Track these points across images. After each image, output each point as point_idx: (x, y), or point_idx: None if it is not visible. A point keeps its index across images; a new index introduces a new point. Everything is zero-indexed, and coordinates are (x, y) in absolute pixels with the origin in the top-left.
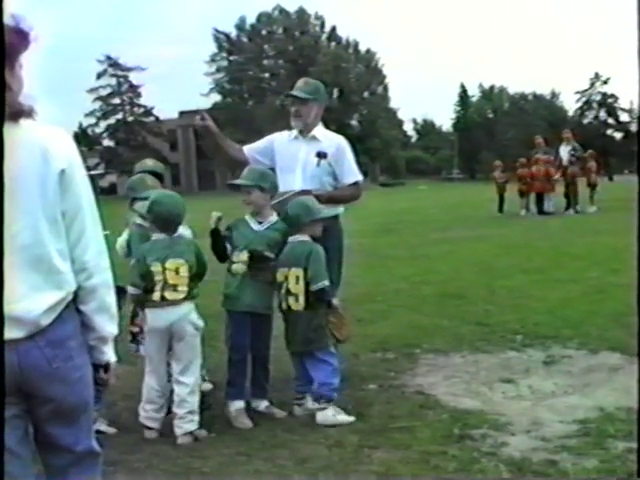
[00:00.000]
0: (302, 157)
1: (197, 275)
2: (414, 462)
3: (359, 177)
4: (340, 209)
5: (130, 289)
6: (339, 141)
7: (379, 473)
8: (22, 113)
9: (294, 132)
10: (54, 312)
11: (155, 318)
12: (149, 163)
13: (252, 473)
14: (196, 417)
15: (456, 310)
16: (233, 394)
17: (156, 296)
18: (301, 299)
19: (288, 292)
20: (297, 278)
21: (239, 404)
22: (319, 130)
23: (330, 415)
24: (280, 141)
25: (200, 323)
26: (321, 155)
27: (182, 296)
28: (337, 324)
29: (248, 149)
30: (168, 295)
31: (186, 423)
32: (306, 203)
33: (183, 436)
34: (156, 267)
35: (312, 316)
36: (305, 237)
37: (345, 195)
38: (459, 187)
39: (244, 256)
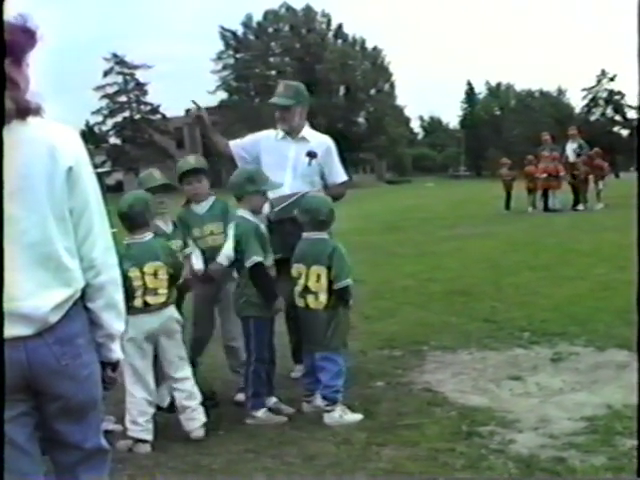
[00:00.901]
0: (292, 156)
1: (173, 277)
2: (422, 459)
3: (345, 177)
4: None
5: None
6: (327, 142)
7: (387, 470)
8: (30, 111)
9: (281, 133)
10: (62, 309)
11: (140, 324)
12: (191, 161)
13: (260, 470)
14: (203, 408)
15: (463, 307)
16: (259, 404)
17: (138, 302)
18: (322, 297)
19: (306, 289)
20: (318, 276)
21: (264, 410)
22: (307, 131)
23: (337, 417)
24: (267, 140)
25: (181, 319)
26: (312, 155)
27: (163, 299)
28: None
29: (234, 145)
30: (150, 300)
31: (198, 414)
32: (325, 199)
33: (198, 429)
34: (134, 272)
35: (332, 315)
36: (324, 235)
37: (335, 194)
38: (466, 184)
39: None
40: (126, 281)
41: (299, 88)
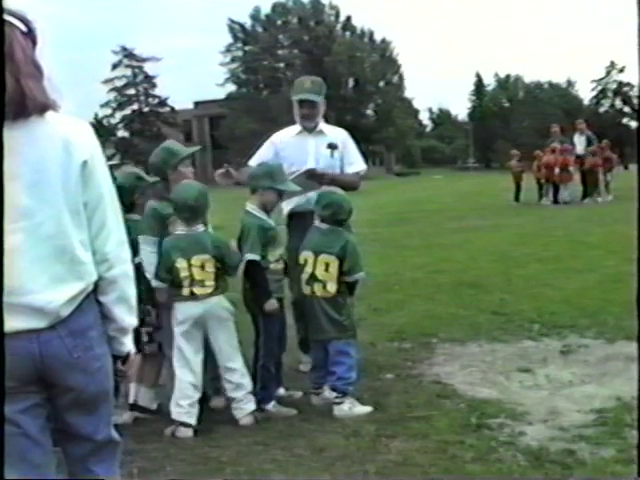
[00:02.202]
0: (312, 150)
1: (225, 269)
2: (431, 451)
3: (364, 166)
4: None
5: (155, 283)
6: (343, 133)
7: (396, 462)
8: (48, 106)
9: (296, 128)
10: (75, 303)
11: (186, 309)
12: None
13: (269, 462)
14: (252, 397)
15: (472, 299)
16: (268, 397)
17: (185, 292)
18: (330, 286)
19: (313, 277)
20: (327, 265)
21: (273, 402)
22: (322, 124)
23: (346, 409)
24: (283, 139)
25: (232, 308)
26: (333, 147)
27: (210, 290)
28: None
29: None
30: (197, 290)
31: (246, 404)
32: (347, 198)
33: (245, 417)
34: (181, 263)
35: (342, 303)
36: (339, 228)
37: (347, 180)
38: (474, 176)
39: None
40: (174, 270)
41: (322, 82)
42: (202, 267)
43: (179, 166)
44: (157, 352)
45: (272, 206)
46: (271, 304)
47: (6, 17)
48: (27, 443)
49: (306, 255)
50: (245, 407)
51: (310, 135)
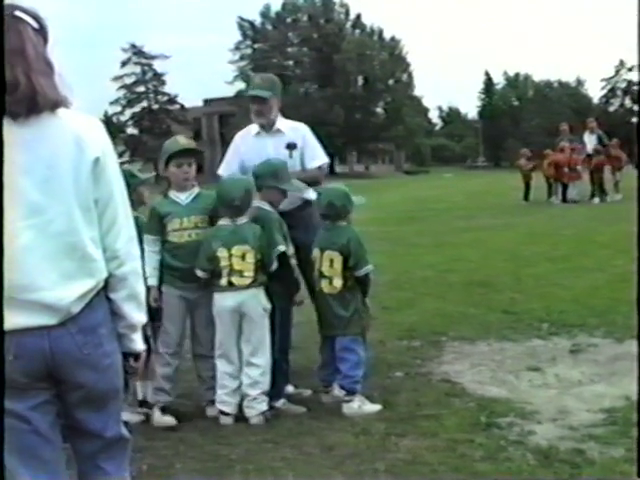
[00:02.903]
0: (271, 152)
1: (262, 261)
2: (441, 450)
3: (325, 159)
4: (312, 194)
5: (199, 273)
6: (302, 129)
7: (406, 461)
8: (59, 103)
9: (255, 128)
10: (85, 299)
11: (223, 299)
12: (181, 141)
13: (279, 460)
14: (266, 398)
15: (482, 298)
16: (278, 394)
17: (223, 281)
18: (336, 282)
19: (320, 274)
20: (331, 261)
21: (283, 400)
22: (281, 122)
23: (356, 407)
24: (244, 140)
25: (268, 305)
26: (292, 146)
27: (249, 282)
28: (366, 322)
29: (224, 171)
30: (235, 280)
31: (259, 404)
32: (346, 192)
33: (255, 417)
34: (222, 253)
35: (350, 299)
36: (342, 222)
37: (309, 176)
38: (484, 175)
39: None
40: (214, 259)
41: (275, 79)
42: (243, 257)
43: (170, 165)
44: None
45: (277, 204)
46: (300, 295)
47: (18, 14)
48: (37, 440)
49: (315, 253)
50: (257, 406)
51: (268, 135)
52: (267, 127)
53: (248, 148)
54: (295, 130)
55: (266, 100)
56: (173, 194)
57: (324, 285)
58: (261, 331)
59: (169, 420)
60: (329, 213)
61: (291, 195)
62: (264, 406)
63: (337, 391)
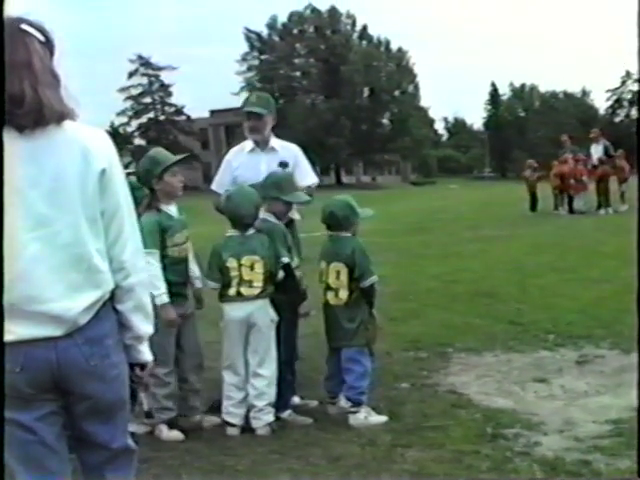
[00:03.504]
0: (264, 168)
1: (270, 271)
2: (447, 461)
3: (315, 179)
4: (296, 214)
5: (211, 284)
6: (294, 149)
7: (412, 472)
8: (65, 115)
9: (249, 145)
10: (92, 311)
11: (232, 309)
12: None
13: (285, 471)
14: (272, 409)
15: (488, 309)
16: (284, 405)
17: (232, 291)
18: (342, 294)
19: (327, 287)
20: (337, 273)
21: (289, 411)
22: (275, 141)
23: (362, 418)
24: (237, 157)
25: (275, 316)
26: (284, 165)
27: (257, 292)
28: (372, 333)
29: (217, 187)
30: (244, 291)
31: (265, 415)
32: (350, 203)
33: (262, 427)
34: (232, 263)
35: (356, 311)
36: (347, 233)
37: None
38: (490, 186)
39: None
40: (224, 270)
41: (270, 99)
42: (251, 267)
43: (165, 175)
44: None
45: (281, 216)
46: (306, 306)
47: (24, 27)
48: (43, 451)
49: (321, 265)
50: (264, 418)
51: (262, 153)
52: (261, 144)
53: (241, 164)
54: (288, 149)
55: (261, 117)
56: (164, 207)
57: (330, 297)
58: (268, 342)
59: (177, 435)
60: (331, 223)
61: None
62: (270, 417)
63: (343, 402)
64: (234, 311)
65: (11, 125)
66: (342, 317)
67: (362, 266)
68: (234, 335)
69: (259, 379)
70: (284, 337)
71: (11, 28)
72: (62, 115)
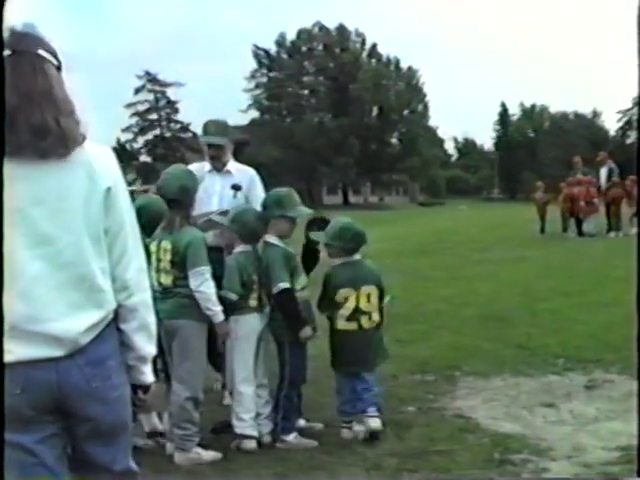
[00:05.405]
0: (218, 190)
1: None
2: None
3: None
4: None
5: (232, 296)
6: (250, 173)
7: None
8: (83, 141)
9: (208, 165)
10: (94, 331)
11: (251, 321)
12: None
13: None
14: (270, 423)
15: (497, 332)
16: (289, 428)
17: (252, 303)
18: (375, 316)
19: (358, 311)
20: (369, 296)
21: (294, 434)
22: (232, 164)
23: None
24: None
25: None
26: (236, 188)
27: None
28: None
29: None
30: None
31: (269, 422)
32: (358, 229)
33: (266, 434)
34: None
35: (381, 332)
36: (358, 256)
37: None
38: (499, 207)
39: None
40: (248, 283)
41: (227, 125)
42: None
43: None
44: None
45: (286, 233)
46: (306, 331)
47: (42, 53)
48: (44, 473)
49: (345, 292)
50: (269, 425)
51: (218, 175)
52: (219, 166)
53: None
54: (244, 173)
55: (221, 146)
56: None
57: (364, 321)
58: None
59: (214, 454)
60: (345, 247)
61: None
62: (271, 426)
63: (357, 427)
64: (253, 321)
65: (35, 154)
66: (376, 338)
67: (383, 286)
68: (252, 345)
69: (262, 388)
70: (289, 359)
71: (29, 54)
72: (81, 142)
